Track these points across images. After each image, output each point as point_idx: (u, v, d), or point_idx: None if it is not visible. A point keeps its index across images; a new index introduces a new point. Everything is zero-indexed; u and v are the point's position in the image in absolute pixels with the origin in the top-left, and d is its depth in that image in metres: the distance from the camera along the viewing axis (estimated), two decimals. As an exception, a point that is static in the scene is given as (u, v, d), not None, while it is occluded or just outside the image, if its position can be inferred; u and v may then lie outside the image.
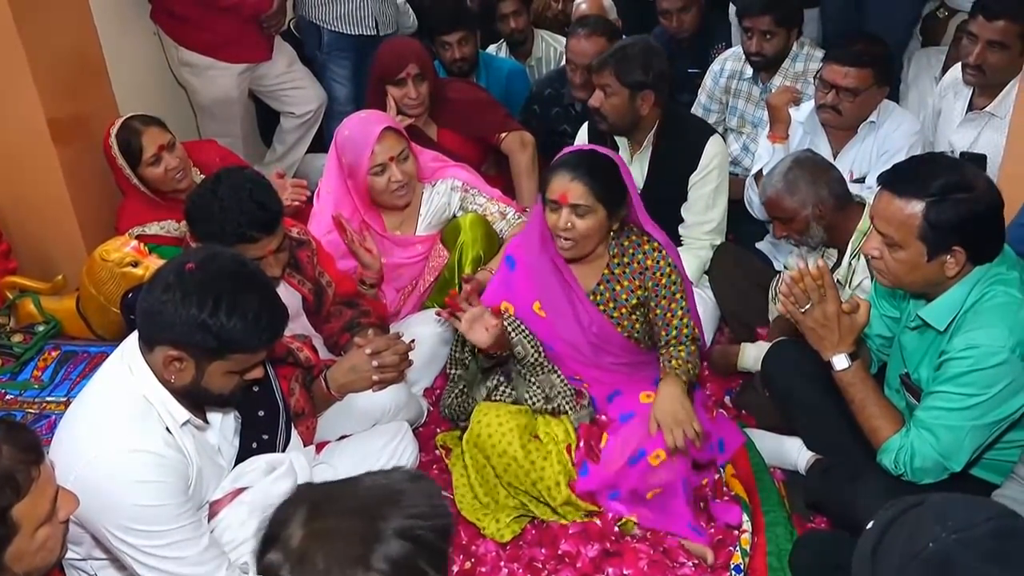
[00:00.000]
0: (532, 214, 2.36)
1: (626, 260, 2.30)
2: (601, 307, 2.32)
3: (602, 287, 2.31)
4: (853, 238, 2.46)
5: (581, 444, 2.23)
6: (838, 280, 2.50)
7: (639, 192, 2.65)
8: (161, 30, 3.58)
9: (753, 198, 2.96)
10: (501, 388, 2.33)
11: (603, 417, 2.30)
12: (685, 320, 2.28)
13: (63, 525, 1.43)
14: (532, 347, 2.32)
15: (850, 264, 2.47)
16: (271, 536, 1.06)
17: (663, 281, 2.28)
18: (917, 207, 1.78)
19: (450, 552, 1.10)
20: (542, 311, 2.34)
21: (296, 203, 2.85)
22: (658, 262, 2.28)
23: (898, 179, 1.85)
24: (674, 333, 2.27)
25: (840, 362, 1.93)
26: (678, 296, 2.28)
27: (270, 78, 3.77)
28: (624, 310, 2.30)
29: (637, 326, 2.33)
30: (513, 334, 2.30)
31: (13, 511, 1.32)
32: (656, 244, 2.30)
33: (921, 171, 1.84)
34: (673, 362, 2.23)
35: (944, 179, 1.78)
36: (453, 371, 2.43)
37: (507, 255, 2.41)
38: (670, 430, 2.09)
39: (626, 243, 2.31)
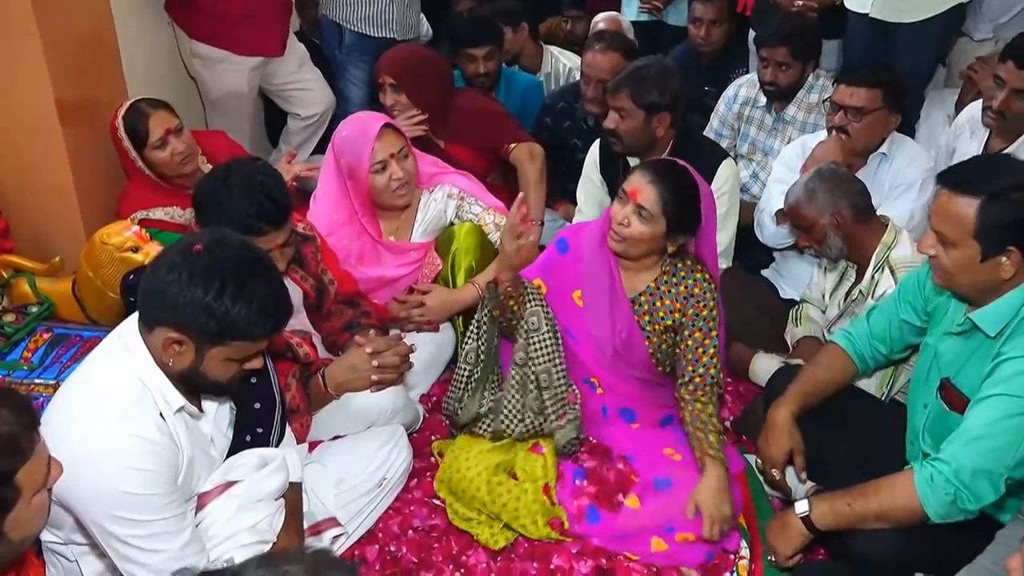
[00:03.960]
0: (608, 208, 2.32)
1: (675, 281, 2.28)
2: (637, 317, 2.29)
3: (644, 298, 2.29)
4: (877, 250, 2.45)
5: (586, 488, 2.19)
6: (860, 291, 2.50)
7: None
8: (174, 22, 3.56)
9: (767, 225, 2.93)
10: (486, 419, 2.31)
11: (621, 465, 2.25)
12: (715, 361, 2.25)
13: (49, 493, 1.40)
14: (546, 324, 2.27)
15: (873, 277, 2.46)
16: None
17: (703, 313, 2.25)
18: (973, 205, 1.74)
19: None
20: (581, 300, 2.31)
21: (293, 183, 2.83)
22: (704, 293, 2.26)
23: (958, 176, 1.81)
24: (700, 371, 2.24)
25: None
26: (713, 334, 2.26)
27: (280, 76, 3.75)
28: (657, 327, 2.28)
29: (663, 347, 2.30)
30: (531, 304, 2.27)
31: (17, 475, 1.29)
32: (708, 277, 2.29)
33: (982, 169, 1.82)
34: (712, 437, 2.18)
35: (1006, 179, 1.75)
36: (468, 343, 2.38)
37: (560, 237, 2.38)
38: (712, 522, 2.07)
39: (679, 265, 2.29)
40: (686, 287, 2.27)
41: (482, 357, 2.36)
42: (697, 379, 2.24)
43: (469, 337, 2.39)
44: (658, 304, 2.28)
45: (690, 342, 2.26)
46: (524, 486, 2.17)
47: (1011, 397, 1.74)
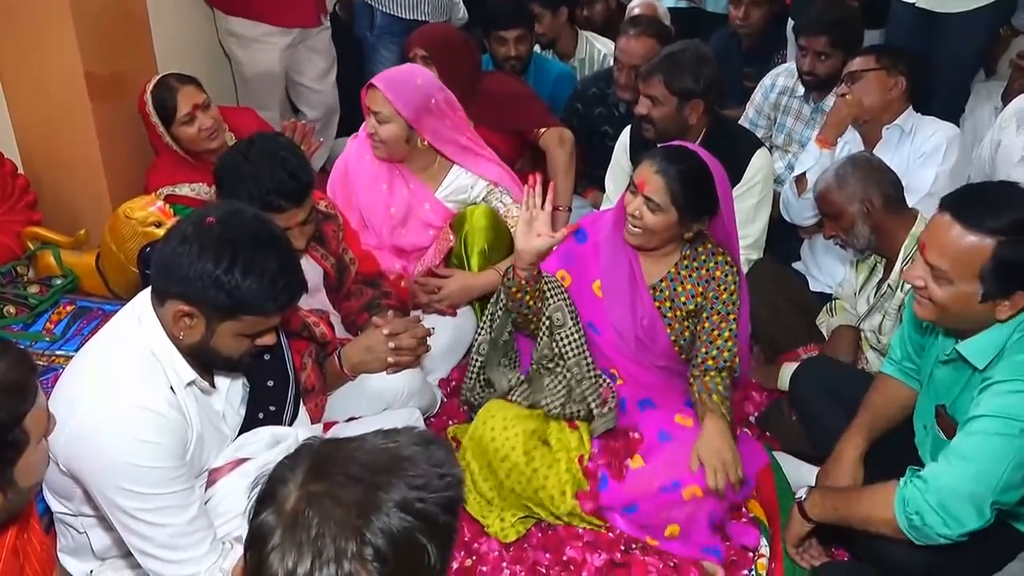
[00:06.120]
0: (622, 195, 2.27)
1: (695, 265, 2.24)
2: (658, 303, 2.25)
3: (664, 284, 2.25)
4: (906, 242, 2.37)
5: (599, 458, 2.15)
6: (888, 285, 2.42)
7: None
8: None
9: (790, 199, 2.88)
10: (519, 389, 2.25)
11: (635, 435, 2.21)
12: (729, 344, 2.20)
13: (46, 442, 1.39)
14: (571, 318, 2.23)
15: (901, 270, 2.38)
16: (268, 494, 0.99)
17: (723, 296, 2.20)
18: (986, 243, 1.59)
19: (456, 526, 1.03)
20: (600, 291, 2.27)
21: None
22: (726, 276, 2.21)
23: (966, 206, 1.64)
24: (714, 353, 2.19)
25: None
26: (731, 318, 2.21)
27: (306, 76, 3.73)
28: (679, 313, 2.23)
29: (686, 334, 2.25)
30: (554, 299, 2.23)
31: (26, 420, 1.29)
32: (730, 260, 2.24)
33: (993, 200, 1.64)
34: (714, 396, 2.14)
35: (1021, 214, 1.60)
36: (480, 335, 2.35)
37: (579, 227, 2.34)
38: (714, 470, 2.02)
39: (700, 249, 2.25)
40: (707, 270, 2.22)
41: (488, 347, 2.34)
42: (710, 361, 2.19)
43: (482, 329, 2.36)
44: (679, 289, 2.23)
45: (707, 324, 2.21)
46: (558, 455, 2.14)
47: (996, 418, 1.63)
